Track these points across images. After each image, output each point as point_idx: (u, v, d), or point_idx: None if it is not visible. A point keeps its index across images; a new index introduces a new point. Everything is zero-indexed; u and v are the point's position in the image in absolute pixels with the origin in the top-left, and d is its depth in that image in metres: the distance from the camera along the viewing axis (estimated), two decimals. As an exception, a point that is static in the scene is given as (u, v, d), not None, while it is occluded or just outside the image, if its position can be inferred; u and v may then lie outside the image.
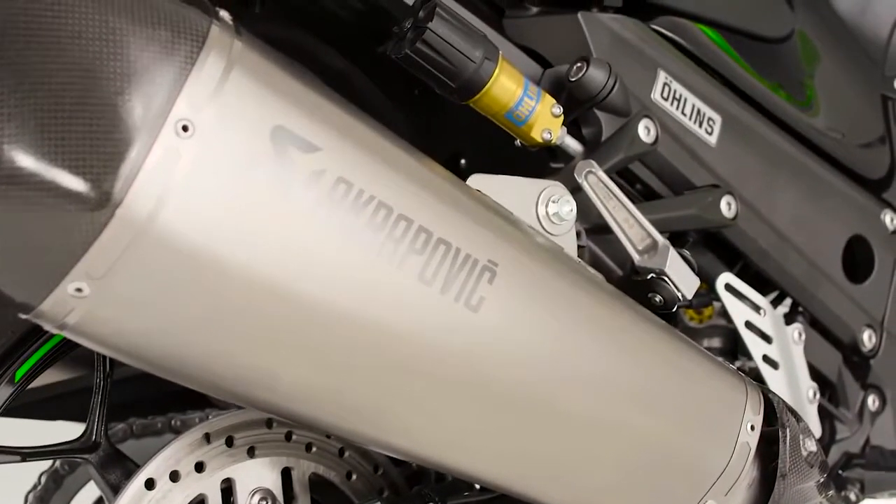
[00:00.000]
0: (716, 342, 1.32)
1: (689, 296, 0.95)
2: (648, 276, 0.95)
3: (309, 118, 0.68)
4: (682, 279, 0.94)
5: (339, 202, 0.68)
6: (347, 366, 0.72)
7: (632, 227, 0.95)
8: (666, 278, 0.94)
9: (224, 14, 0.69)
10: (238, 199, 0.65)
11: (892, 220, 1.34)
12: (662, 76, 1.10)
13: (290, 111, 0.67)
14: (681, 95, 1.11)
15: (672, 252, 0.94)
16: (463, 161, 1.31)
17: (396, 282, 0.71)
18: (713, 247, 1.18)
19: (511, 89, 0.95)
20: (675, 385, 0.89)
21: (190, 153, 0.63)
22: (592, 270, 0.89)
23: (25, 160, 0.60)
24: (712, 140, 1.13)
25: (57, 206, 0.61)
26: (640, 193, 1.12)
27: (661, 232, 1.05)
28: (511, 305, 0.77)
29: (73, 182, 0.61)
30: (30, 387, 0.91)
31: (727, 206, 1.11)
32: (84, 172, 0.61)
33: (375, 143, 0.73)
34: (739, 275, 1.20)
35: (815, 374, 1.24)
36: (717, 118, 1.14)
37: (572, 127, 1.03)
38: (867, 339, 1.29)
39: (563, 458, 0.84)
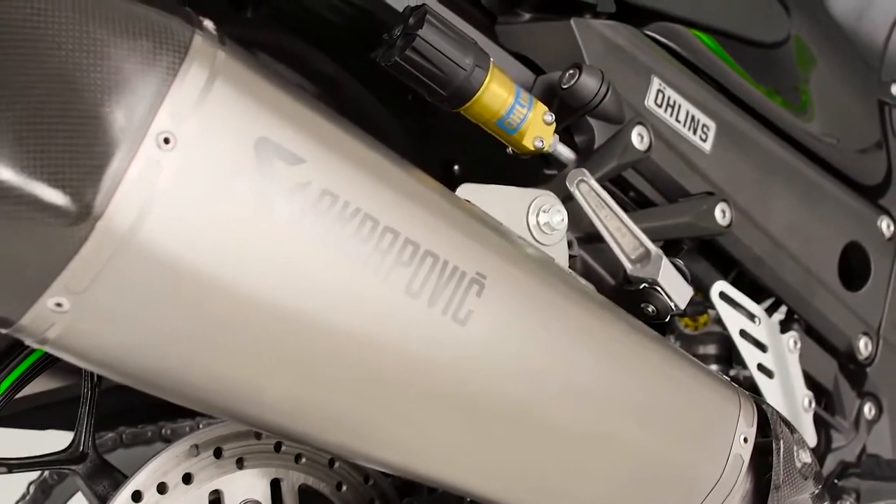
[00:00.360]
0: (711, 349, 1.31)
1: (682, 306, 0.94)
2: (641, 286, 0.94)
3: (293, 129, 0.67)
4: (675, 289, 0.93)
5: (324, 214, 0.67)
6: (333, 380, 0.71)
7: (624, 235, 0.94)
8: (658, 288, 0.93)
9: (208, 23, 0.68)
10: (221, 211, 0.64)
11: (888, 226, 1.32)
12: (656, 82, 1.09)
13: (274, 122, 0.67)
14: (675, 102, 1.10)
15: (665, 261, 0.93)
16: (456, 167, 1.30)
17: (383, 295, 0.70)
18: (708, 254, 1.17)
19: (502, 97, 0.94)
20: (666, 397, 0.88)
21: (172, 165, 0.62)
22: (583, 281, 0.88)
23: (4, 173, 0.59)
24: (707, 147, 1.12)
25: (36, 219, 0.60)
26: (634, 201, 1.11)
27: (655, 240, 1.05)
28: (500, 318, 0.76)
29: (53, 195, 0.60)
30: (19, 396, 0.90)
31: (721, 214, 1.10)
32: (64, 185, 0.60)
33: (361, 153, 0.72)
34: (734, 282, 1.19)
35: (811, 382, 1.23)
36: (712, 125, 1.13)
37: (565, 134, 1.02)
38: (863, 346, 1.28)
39: (554, 471, 0.83)
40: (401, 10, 0.95)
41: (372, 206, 0.69)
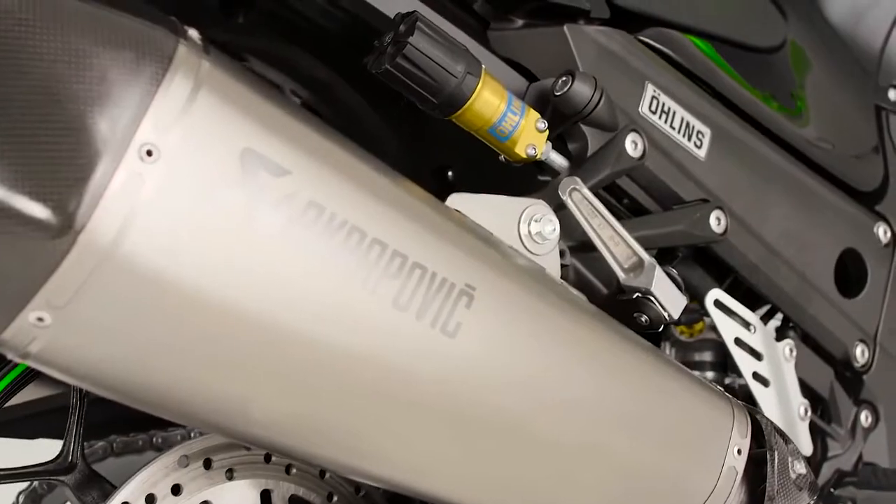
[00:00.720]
0: (707, 356, 1.30)
1: (676, 315, 0.93)
2: (634, 296, 0.93)
3: (279, 140, 0.66)
4: (669, 299, 0.92)
5: (311, 227, 0.67)
6: (321, 394, 0.70)
7: (617, 244, 0.93)
8: (652, 298, 0.92)
9: (193, 33, 0.67)
10: (206, 224, 0.63)
11: (885, 232, 1.31)
12: (650, 89, 1.08)
13: (259, 133, 0.66)
14: (669, 108, 1.09)
15: (658, 271, 0.92)
16: (450, 173, 1.29)
17: (370, 308, 0.69)
18: (703, 262, 1.16)
19: (494, 104, 0.93)
20: (658, 409, 0.87)
21: (155, 178, 0.61)
22: (575, 291, 0.87)
23: (-16, 186, 0.59)
24: (701, 153, 1.12)
25: (16, 233, 0.59)
26: (628, 208, 1.10)
27: (649, 248, 1.04)
28: (489, 330, 0.75)
29: (33, 208, 0.59)
30: (9, 405, 0.90)
31: (716, 222, 1.09)
32: (45, 198, 0.59)
33: (348, 164, 0.71)
34: (730, 289, 1.19)
35: (807, 389, 1.22)
36: (707, 131, 1.12)
37: (558, 142, 1.01)
38: (860, 354, 1.27)
39: (546, 483, 0.82)
40: (392, 16, 0.94)
41: (359, 218, 0.69)
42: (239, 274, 0.65)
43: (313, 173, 0.68)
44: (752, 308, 1.20)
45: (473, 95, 0.92)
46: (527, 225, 0.87)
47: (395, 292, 0.70)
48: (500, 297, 0.76)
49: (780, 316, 1.22)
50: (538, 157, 0.97)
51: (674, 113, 1.10)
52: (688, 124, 1.11)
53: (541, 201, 0.89)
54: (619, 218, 1.08)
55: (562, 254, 0.93)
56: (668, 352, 1.30)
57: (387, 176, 0.74)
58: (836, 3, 1.40)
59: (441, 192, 1.30)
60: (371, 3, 0.99)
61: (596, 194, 1.02)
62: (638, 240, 1.00)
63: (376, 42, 0.93)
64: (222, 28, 1.17)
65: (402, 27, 0.91)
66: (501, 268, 0.78)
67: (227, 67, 0.67)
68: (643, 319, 0.93)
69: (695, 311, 1.17)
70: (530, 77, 1.05)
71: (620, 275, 0.93)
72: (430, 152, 1.27)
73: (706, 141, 1.12)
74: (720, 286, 1.17)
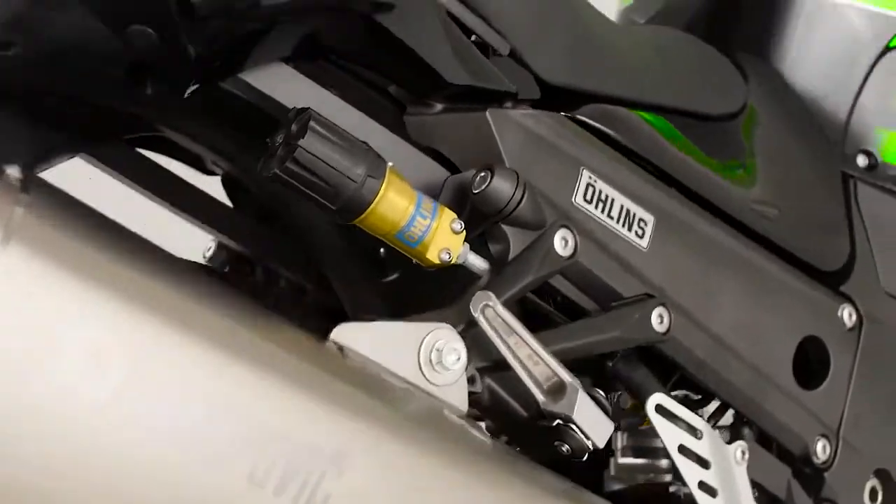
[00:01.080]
0: (661, 442, 1.20)
1: (601, 445, 0.84)
2: (555, 423, 0.84)
3: (105, 295, 0.57)
4: (592, 427, 0.83)
5: (145, 396, 0.58)
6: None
7: (537, 364, 0.84)
8: (573, 426, 0.83)
9: (12, 171, 0.58)
10: (20, 403, 0.54)
11: (850, 315, 1.21)
12: (586, 175, 0.99)
13: (80, 291, 0.56)
14: (607, 196, 1.00)
15: (581, 395, 0.83)
16: (382, 249, 1.19)
17: (221, 486, 0.60)
18: (647, 359, 1.06)
19: (401, 207, 0.84)
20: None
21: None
22: (478, 434, 0.78)
23: None
24: (643, 243, 1.02)
25: None
26: (561, 308, 1.00)
27: (587, 356, 0.95)
28: (365, 501, 0.65)
29: None
30: None
31: (658, 320, 1.00)
32: None
33: (190, 314, 0.62)
34: (678, 385, 1.09)
35: (762, 492, 1.13)
36: (650, 218, 1.03)
37: (478, 242, 0.92)
38: (821, 450, 1.17)
39: None
40: (290, 107, 0.85)
41: (207, 385, 0.59)
42: (60, 457, 0.56)
43: (148, 332, 0.59)
44: (703, 402, 1.11)
45: (376, 199, 0.83)
46: (427, 353, 0.78)
47: (250, 466, 0.61)
48: (379, 459, 0.67)
49: (732, 412, 1.13)
50: (453, 261, 0.87)
51: (612, 200, 1.00)
52: (628, 212, 1.01)
53: (445, 325, 0.80)
54: (550, 322, 0.98)
55: (471, 380, 0.84)
56: (620, 438, 1.20)
57: (247, 325, 0.64)
58: (801, 69, 1.30)
59: (375, 272, 1.20)
60: (270, 94, 0.90)
61: (523, 298, 0.93)
62: (570, 350, 0.91)
63: (268, 140, 0.84)
64: (130, 99, 1.08)
65: (294, 126, 0.82)
66: (383, 422, 0.69)
67: (50, 209, 0.58)
68: (564, 449, 0.84)
69: (634, 416, 1.07)
70: (451, 167, 0.96)
71: (540, 398, 0.84)
72: (360, 229, 1.17)
73: (649, 229, 1.03)
74: (666, 383, 1.07)
